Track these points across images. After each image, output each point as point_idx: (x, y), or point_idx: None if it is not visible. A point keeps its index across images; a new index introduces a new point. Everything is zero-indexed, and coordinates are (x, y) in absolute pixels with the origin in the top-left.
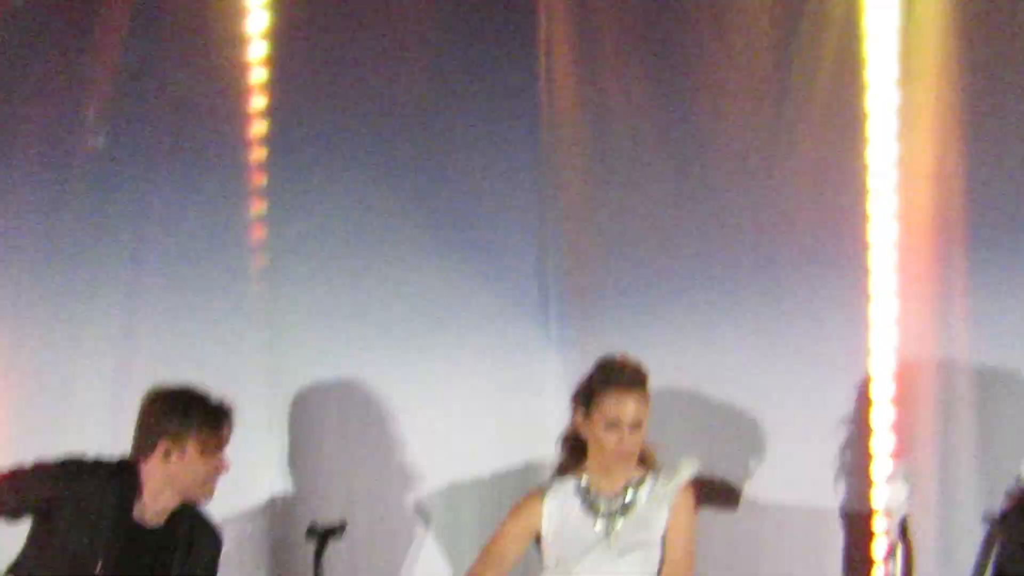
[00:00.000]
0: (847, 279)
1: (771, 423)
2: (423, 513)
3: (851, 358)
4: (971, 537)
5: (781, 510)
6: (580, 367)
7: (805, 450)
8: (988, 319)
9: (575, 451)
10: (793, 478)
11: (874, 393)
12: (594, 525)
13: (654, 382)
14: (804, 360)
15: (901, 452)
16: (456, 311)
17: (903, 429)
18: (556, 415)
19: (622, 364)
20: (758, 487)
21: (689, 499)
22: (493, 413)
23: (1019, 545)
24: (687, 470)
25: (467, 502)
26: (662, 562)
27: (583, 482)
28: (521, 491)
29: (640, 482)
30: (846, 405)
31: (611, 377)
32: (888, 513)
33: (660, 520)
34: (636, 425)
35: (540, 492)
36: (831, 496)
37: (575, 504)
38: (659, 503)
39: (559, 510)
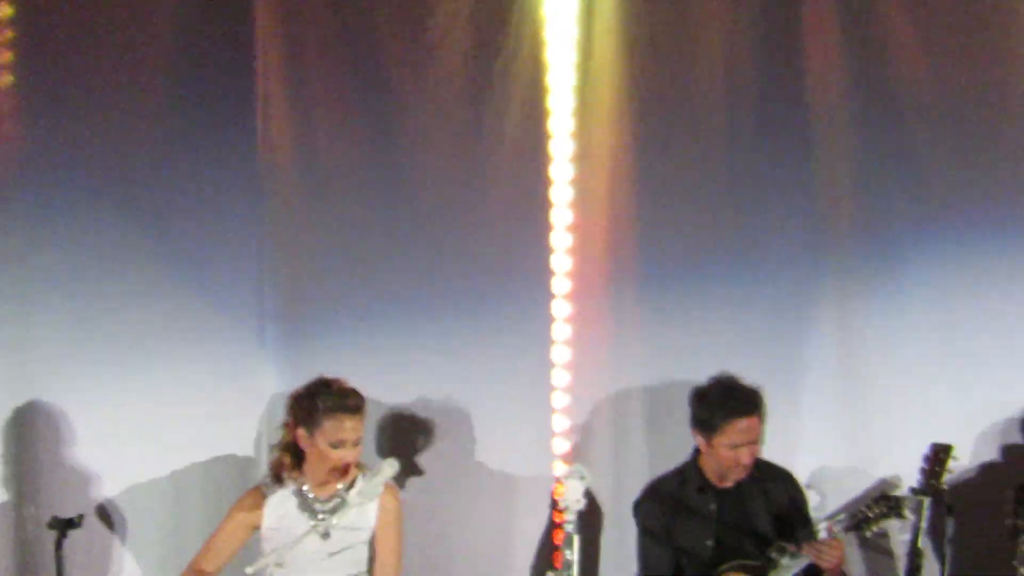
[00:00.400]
0: (533, 302)
1: (473, 432)
2: (149, 509)
3: (525, 370)
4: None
5: (482, 506)
6: (292, 379)
7: (499, 449)
8: (657, 343)
9: (294, 458)
10: (486, 479)
11: (554, 401)
12: (309, 524)
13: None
14: (497, 372)
15: (575, 455)
16: (183, 328)
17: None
18: (269, 421)
19: (344, 390)
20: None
21: (394, 497)
22: (215, 419)
23: None
24: (389, 469)
25: (190, 499)
26: (372, 560)
27: (301, 485)
28: (240, 490)
29: (351, 485)
30: (532, 409)
31: (336, 403)
32: (566, 509)
33: (369, 518)
34: (357, 443)
35: (260, 490)
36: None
37: (292, 504)
38: (366, 501)
39: (278, 508)
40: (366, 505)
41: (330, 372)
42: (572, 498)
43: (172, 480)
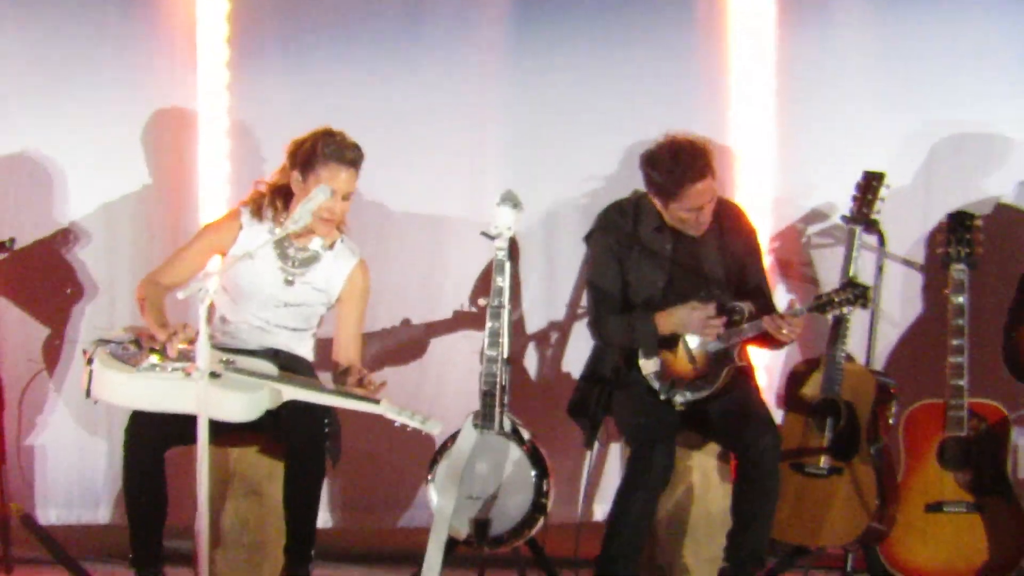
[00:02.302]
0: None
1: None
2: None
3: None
4: None
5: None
6: None
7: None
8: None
9: (282, 200)
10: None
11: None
12: (276, 266)
13: None
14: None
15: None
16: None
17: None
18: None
19: (347, 142)
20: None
21: (364, 274)
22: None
23: None
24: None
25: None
26: (337, 328)
27: (281, 227)
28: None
29: (331, 245)
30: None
31: (336, 152)
32: (498, 235)
33: (335, 286)
34: (347, 197)
35: (239, 217)
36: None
37: (267, 242)
38: (340, 268)
39: (250, 241)
40: (337, 272)
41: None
42: (504, 224)
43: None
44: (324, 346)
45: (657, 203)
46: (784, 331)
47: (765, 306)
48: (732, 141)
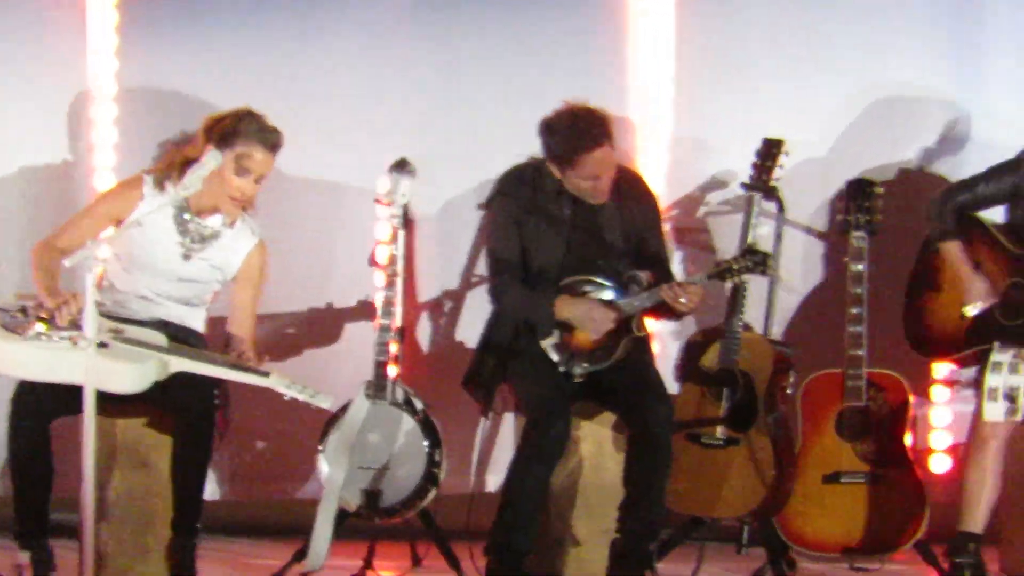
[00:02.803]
0: None
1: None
2: None
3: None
4: None
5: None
6: None
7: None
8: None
9: (182, 168)
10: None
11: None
12: (175, 240)
13: None
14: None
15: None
16: None
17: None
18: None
19: (269, 125)
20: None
21: (262, 255)
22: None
23: None
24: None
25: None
26: (232, 307)
27: (185, 202)
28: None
29: (232, 223)
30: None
31: (257, 133)
32: (391, 202)
33: (233, 265)
34: (259, 180)
35: (141, 186)
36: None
37: (168, 213)
38: (239, 247)
39: (152, 206)
40: (235, 251)
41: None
42: (398, 191)
43: None
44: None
45: (555, 170)
46: (682, 300)
47: (664, 275)
48: (632, 110)
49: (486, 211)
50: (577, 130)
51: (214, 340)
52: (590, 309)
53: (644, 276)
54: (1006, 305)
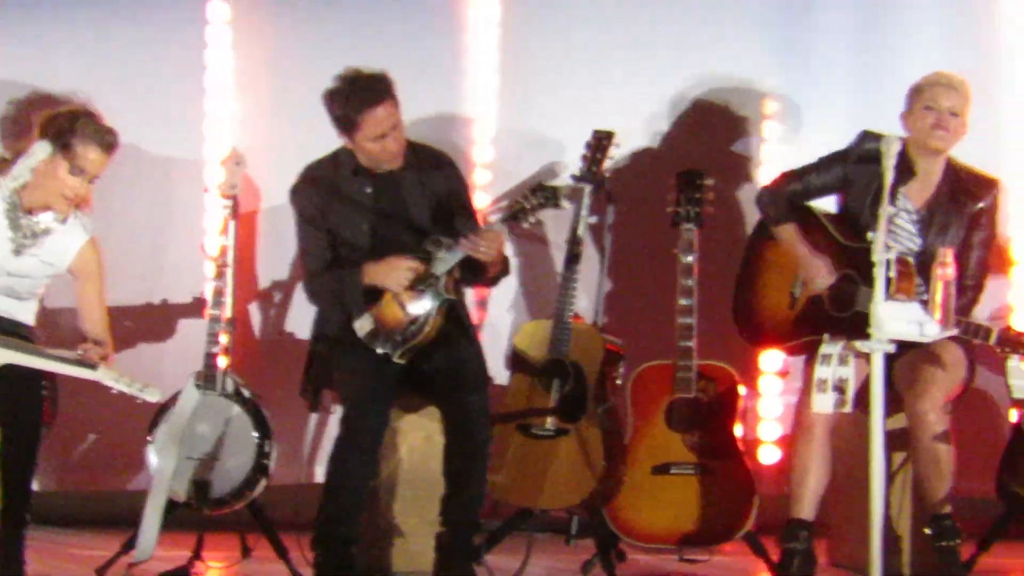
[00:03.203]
0: None
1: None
2: None
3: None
4: None
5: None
6: None
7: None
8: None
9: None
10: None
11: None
12: (6, 235)
13: None
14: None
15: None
16: None
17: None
18: None
19: (105, 127)
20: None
21: (95, 250)
22: None
23: None
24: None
25: None
26: (79, 304)
27: (17, 196)
28: None
29: (63, 219)
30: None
31: (94, 134)
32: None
33: (64, 260)
34: (94, 180)
35: None
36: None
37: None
38: (69, 244)
39: None
40: (65, 247)
41: None
42: (228, 183)
43: None
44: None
45: (348, 142)
46: (482, 248)
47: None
48: (465, 104)
49: (291, 203)
50: (356, 90)
51: (51, 333)
52: (392, 260)
53: (446, 240)
54: (836, 297)
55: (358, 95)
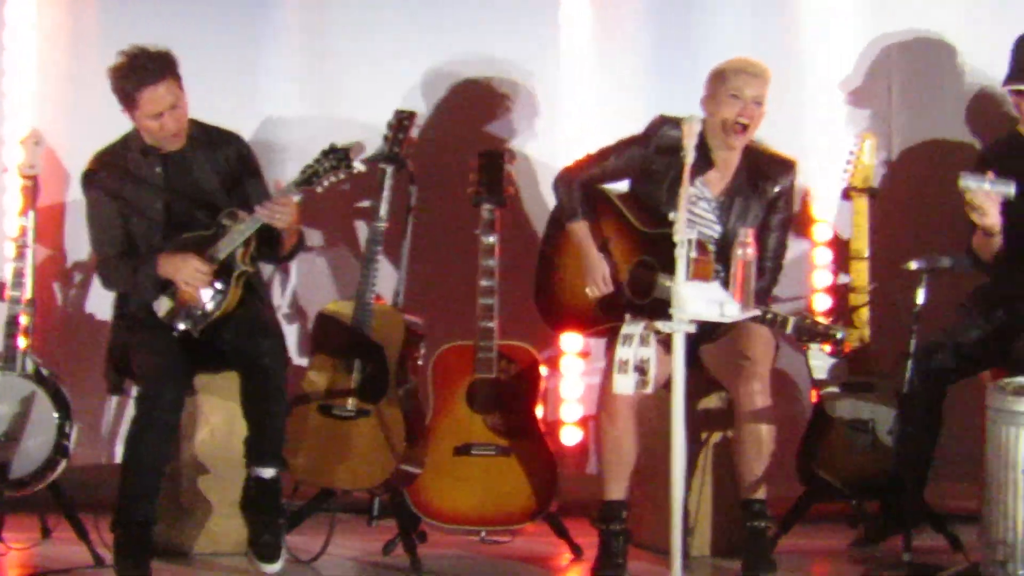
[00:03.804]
0: None
1: None
2: None
3: None
4: None
5: None
6: None
7: None
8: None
9: None
10: None
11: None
12: None
13: None
14: None
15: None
16: None
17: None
18: None
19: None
20: None
21: None
22: None
23: None
24: None
25: None
26: None
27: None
28: None
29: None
30: None
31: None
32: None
33: None
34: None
35: None
36: None
37: None
38: None
39: None
40: None
41: None
42: (27, 163)
43: None
44: None
45: (130, 118)
46: (277, 215)
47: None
48: (262, 73)
49: (83, 188)
50: (136, 67)
51: None
52: (185, 261)
53: (242, 212)
54: (634, 283)
55: (138, 72)
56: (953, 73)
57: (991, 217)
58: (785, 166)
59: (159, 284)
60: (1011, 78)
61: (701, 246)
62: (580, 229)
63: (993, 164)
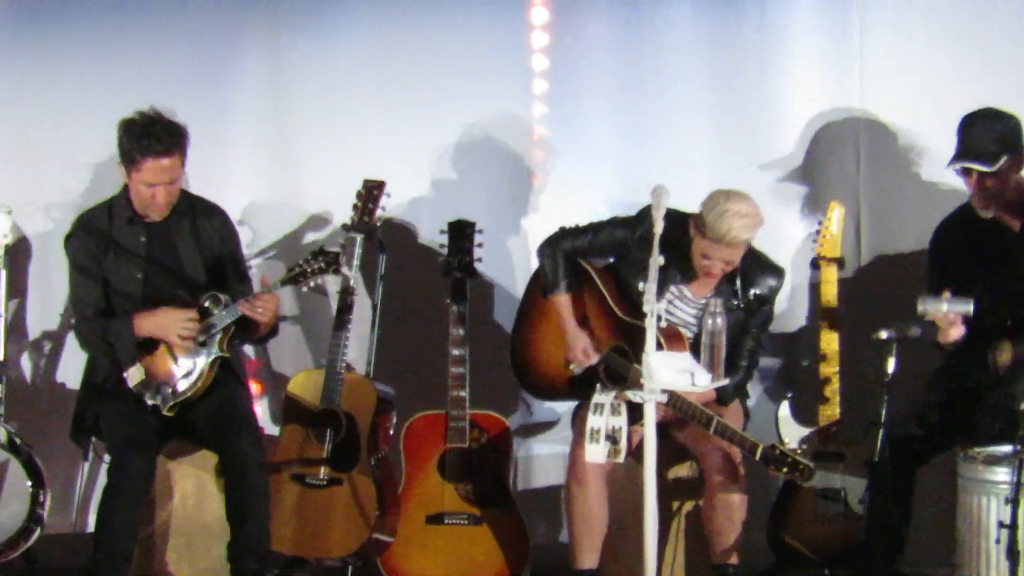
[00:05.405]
0: None
1: None
2: None
3: None
4: None
5: None
6: None
7: None
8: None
9: None
10: None
11: None
12: None
13: None
14: None
15: None
16: None
17: None
18: None
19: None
20: None
21: None
22: None
23: None
24: None
25: None
26: None
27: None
28: None
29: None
30: None
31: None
32: None
33: None
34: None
35: None
36: None
37: None
38: None
39: None
40: None
41: None
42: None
43: None
44: None
45: (123, 175)
46: (259, 310)
47: (245, 293)
48: (229, 143)
49: (65, 251)
50: (151, 134)
51: None
52: (167, 311)
53: (224, 297)
54: (609, 368)
55: (149, 139)
56: (916, 149)
57: (952, 336)
58: (774, 272)
59: (134, 344)
60: (955, 158)
61: (673, 330)
62: (562, 302)
63: (947, 238)
